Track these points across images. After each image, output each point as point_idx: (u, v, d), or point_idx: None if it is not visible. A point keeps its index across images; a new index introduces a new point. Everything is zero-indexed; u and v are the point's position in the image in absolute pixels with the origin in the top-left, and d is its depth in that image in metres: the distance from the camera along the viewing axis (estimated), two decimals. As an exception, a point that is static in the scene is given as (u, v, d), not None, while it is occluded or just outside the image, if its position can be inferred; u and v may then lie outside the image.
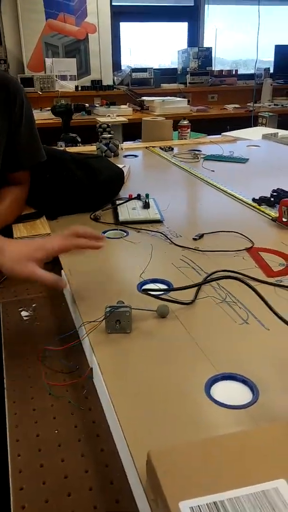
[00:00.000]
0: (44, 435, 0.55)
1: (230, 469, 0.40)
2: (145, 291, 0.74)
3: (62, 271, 0.87)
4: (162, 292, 0.75)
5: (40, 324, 0.78)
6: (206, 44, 4.58)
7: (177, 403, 0.53)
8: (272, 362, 0.60)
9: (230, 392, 0.55)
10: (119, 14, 4.15)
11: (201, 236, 1.03)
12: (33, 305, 0.84)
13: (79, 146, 2.18)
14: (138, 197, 1.23)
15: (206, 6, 4.47)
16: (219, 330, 0.68)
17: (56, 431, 0.56)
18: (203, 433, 0.49)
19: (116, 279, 0.86)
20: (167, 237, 1.02)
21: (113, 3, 3.98)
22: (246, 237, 1.01)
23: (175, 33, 4.65)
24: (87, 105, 3.49)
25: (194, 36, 4.57)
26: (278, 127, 2.47)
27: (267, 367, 0.59)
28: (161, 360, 0.61)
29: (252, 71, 4.19)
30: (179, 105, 3.75)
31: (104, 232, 1.05)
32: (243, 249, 0.95)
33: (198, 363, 0.60)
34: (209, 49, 4.38)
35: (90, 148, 1.95)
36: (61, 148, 2.03)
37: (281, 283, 0.80)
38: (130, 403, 0.54)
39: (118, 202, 1.21)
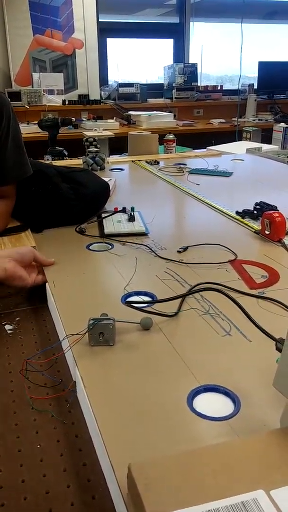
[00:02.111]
0: (26, 450, 0.55)
1: (210, 481, 0.40)
2: (129, 304, 0.74)
3: (47, 283, 0.87)
4: (146, 305, 0.76)
5: (23, 337, 0.78)
6: (192, 60, 4.67)
7: (159, 415, 0.54)
8: (254, 374, 0.61)
9: (212, 404, 0.55)
10: (106, 31, 4.21)
11: (185, 248, 1.04)
12: (17, 319, 0.83)
13: (66, 159, 2.19)
14: (124, 210, 1.24)
15: (191, 23, 4.56)
16: (202, 342, 0.68)
17: (39, 446, 0.55)
18: (185, 445, 0.49)
19: (100, 291, 0.86)
20: (152, 250, 1.02)
21: (100, 20, 4.05)
22: (229, 249, 1.02)
23: (161, 49, 4.73)
24: (74, 119, 3.51)
25: (180, 52, 4.66)
26: (262, 142, 2.52)
27: (249, 379, 0.59)
28: (144, 372, 0.61)
29: (237, 87, 4.27)
30: (165, 119, 3.80)
31: (89, 245, 1.06)
32: (227, 261, 0.96)
33: (181, 375, 0.60)
34: (194, 65, 4.46)
35: (77, 162, 1.96)
36: (48, 162, 2.03)
37: (263, 295, 0.81)
38: (112, 416, 0.53)
39: (103, 215, 1.22)
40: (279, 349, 0.57)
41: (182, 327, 0.72)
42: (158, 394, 0.57)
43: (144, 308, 0.73)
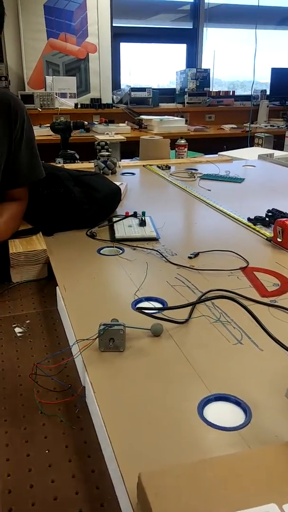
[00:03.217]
0: (35, 455, 0.54)
1: (221, 492, 0.39)
2: (139, 310, 0.73)
3: (57, 287, 0.87)
4: (157, 311, 0.75)
5: (33, 340, 0.78)
6: (204, 65, 4.67)
7: (169, 424, 0.53)
8: (265, 383, 0.60)
9: (223, 414, 0.54)
10: (120, 35, 4.24)
11: (196, 254, 1.03)
12: (27, 322, 0.83)
13: (77, 163, 2.19)
14: (135, 214, 1.24)
15: (204, 29, 4.57)
16: (213, 350, 0.68)
17: (47, 451, 0.55)
18: (195, 455, 0.49)
19: (111, 296, 0.86)
20: (163, 255, 1.02)
21: (114, 25, 4.07)
22: (241, 256, 1.02)
23: (174, 54, 4.74)
24: (86, 122, 3.53)
25: (193, 58, 4.66)
26: (274, 148, 2.51)
27: (260, 388, 0.59)
28: (154, 380, 0.61)
29: (249, 92, 4.26)
30: (177, 124, 3.80)
31: (100, 249, 1.06)
32: (238, 269, 0.96)
33: (191, 383, 0.60)
34: (207, 71, 4.46)
35: (88, 165, 1.97)
36: (59, 165, 2.04)
37: (275, 303, 0.80)
38: (122, 423, 0.53)
39: (114, 219, 1.22)
40: (292, 360, 0.56)
41: (192, 335, 0.72)
42: (168, 402, 0.57)
43: (154, 315, 0.73)
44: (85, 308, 0.79)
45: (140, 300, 0.82)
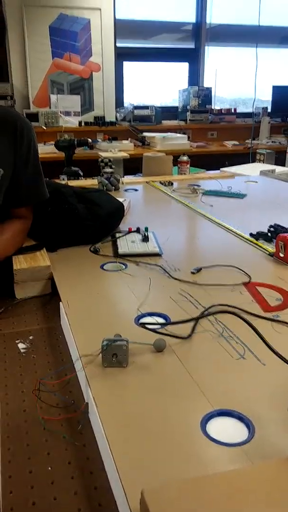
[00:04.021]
0: (37, 472, 0.54)
1: (224, 508, 0.39)
2: (142, 325, 0.74)
3: (61, 303, 0.88)
4: (159, 326, 0.76)
5: (36, 356, 0.78)
6: (206, 83, 4.73)
7: (172, 439, 0.53)
8: (268, 398, 0.60)
9: (226, 429, 0.54)
10: (123, 54, 4.31)
11: (199, 270, 1.04)
12: (30, 337, 0.83)
13: (81, 179, 2.22)
14: (138, 230, 1.25)
15: (206, 47, 4.65)
16: (215, 365, 0.68)
17: (50, 468, 0.55)
18: (198, 471, 0.48)
19: (114, 312, 0.86)
20: (166, 271, 1.03)
21: (118, 45, 4.15)
22: (243, 271, 1.02)
23: (177, 73, 4.81)
24: (89, 140, 3.56)
25: (195, 76, 4.73)
26: (276, 164, 2.53)
27: (264, 404, 0.59)
28: (157, 395, 0.61)
29: (250, 110, 4.31)
30: (179, 141, 3.84)
31: (103, 265, 1.06)
32: (241, 284, 0.96)
33: (194, 399, 0.60)
34: (209, 89, 4.52)
35: (92, 182, 1.99)
36: (63, 182, 2.06)
37: (278, 318, 0.80)
38: (125, 439, 0.53)
39: (117, 235, 1.23)
40: (294, 375, 0.56)
41: (195, 350, 0.72)
42: (171, 418, 0.56)
43: (157, 330, 0.73)
44: (88, 324, 0.79)
45: (143, 316, 0.82)
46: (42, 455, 0.57)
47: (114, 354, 0.65)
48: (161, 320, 0.80)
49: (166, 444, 0.52)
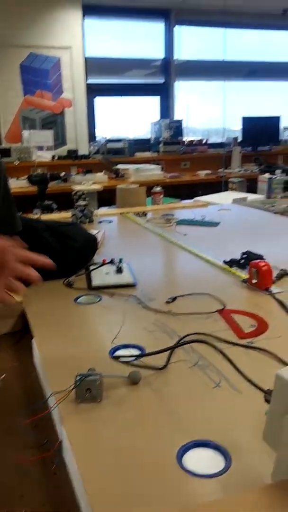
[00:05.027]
0: (10, 518, 0.52)
1: None
2: (116, 358, 0.73)
3: (33, 339, 0.86)
4: (134, 358, 0.75)
5: (9, 394, 0.76)
6: (178, 115, 4.88)
7: (149, 474, 0.52)
8: (244, 426, 0.59)
9: (203, 460, 0.53)
10: (94, 90, 4.42)
11: (174, 299, 1.04)
12: (3, 376, 0.81)
13: (55, 213, 2.22)
14: (112, 261, 1.25)
15: (176, 82, 4.81)
16: (191, 395, 0.67)
17: (24, 511, 0.53)
18: (176, 505, 0.47)
19: (88, 345, 0.85)
20: (140, 301, 1.02)
21: (88, 82, 4.26)
22: (218, 299, 1.03)
23: (148, 106, 4.95)
24: (62, 174, 3.61)
25: (166, 109, 4.87)
26: (247, 192, 2.59)
27: (240, 432, 0.58)
28: (132, 429, 0.60)
29: (222, 140, 4.45)
30: (153, 172, 3.91)
31: (77, 298, 1.06)
32: (215, 311, 0.97)
33: (170, 431, 0.59)
34: (180, 121, 4.65)
35: (66, 215, 1.99)
36: (37, 216, 2.07)
37: (252, 345, 0.81)
38: (100, 477, 0.51)
39: (91, 267, 1.23)
40: (267, 401, 0.56)
41: (171, 380, 0.71)
42: (147, 452, 0.55)
43: (132, 362, 0.73)
44: (61, 359, 0.78)
45: (118, 348, 0.81)
46: (15, 498, 0.54)
47: (87, 389, 0.64)
48: (136, 352, 0.80)
49: (142, 479, 0.51)
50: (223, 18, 3.71)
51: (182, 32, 4.72)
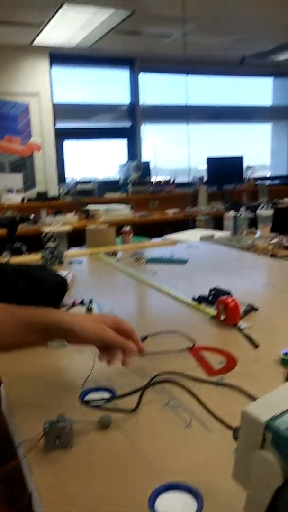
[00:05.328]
0: None
1: None
2: (86, 402, 0.72)
3: (1, 386, 0.84)
4: (104, 401, 0.74)
5: (-24, 447, 0.73)
6: (145, 156, 5.02)
7: (120, 523, 0.51)
8: (215, 466, 0.59)
9: (175, 504, 0.53)
10: (63, 134, 4.52)
11: (144, 338, 1.04)
12: None
13: (25, 255, 2.21)
14: (82, 302, 1.25)
15: (142, 126, 4.98)
16: (162, 437, 0.67)
17: None
18: None
19: (58, 390, 0.84)
20: (111, 342, 1.02)
21: (57, 126, 4.35)
22: (187, 336, 1.03)
23: (117, 148, 5.09)
24: (32, 216, 3.61)
25: (133, 151, 5.01)
26: (214, 229, 2.66)
27: (211, 472, 0.58)
28: (103, 476, 0.59)
29: (189, 179, 4.58)
30: (122, 212, 3.98)
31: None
32: (185, 349, 0.97)
33: (141, 475, 0.58)
34: (147, 162, 4.79)
35: (35, 257, 1.99)
36: (6, 259, 2.05)
37: (222, 382, 0.81)
38: (70, 529, 0.50)
39: (61, 309, 1.22)
40: (236, 438, 0.56)
41: (142, 422, 0.71)
42: (119, 499, 0.54)
43: (102, 406, 0.72)
44: (30, 406, 0.76)
45: (89, 391, 0.80)
46: None
47: (57, 437, 0.63)
48: (106, 395, 0.79)
49: (113, 529, 0.50)
50: (184, 66, 3.92)
51: (146, 79, 4.94)
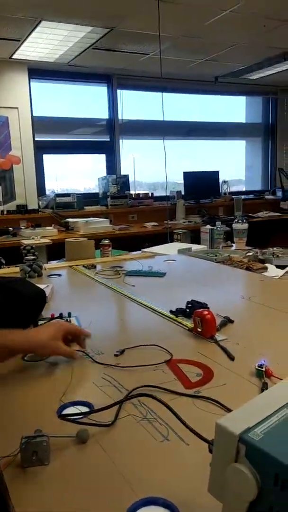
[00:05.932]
0: None
1: None
2: (63, 417, 0.72)
3: (-22, 402, 0.83)
4: (82, 416, 0.74)
5: None
6: (124, 170, 5.05)
7: (97, 538, 0.51)
8: (191, 479, 0.60)
9: (152, 518, 0.53)
10: (43, 147, 4.51)
11: (122, 351, 1.04)
12: None
13: (3, 268, 2.19)
14: (60, 316, 1.25)
15: (120, 140, 5.02)
16: (139, 451, 0.67)
17: None
18: None
19: (35, 405, 0.83)
20: (89, 356, 1.02)
21: (37, 139, 4.35)
22: (165, 349, 1.04)
23: (96, 161, 5.11)
24: (10, 229, 3.60)
25: (112, 165, 5.04)
26: (192, 242, 2.68)
27: (188, 486, 0.58)
28: (80, 491, 0.58)
29: (167, 193, 4.61)
30: (102, 225, 3.98)
31: (24, 356, 1.04)
32: (163, 362, 0.98)
33: (119, 490, 0.58)
34: (126, 176, 4.81)
35: (14, 270, 1.97)
36: (-16, 272, 2.03)
37: (199, 394, 0.82)
38: None
39: (40, 322, 1.22)
40: (211, 451, 0.57)
41: (119, 436, 0.71)
42: (96, 514, 0.54)
43: (79, 420, 0.72)
44: (6, 421, 0.76)
45: (66, 406, 0.80)
46: None
47: (34, 452, 0.63)
48: (84, 409, 0.79)
49: None
50: (161, 83, 3.99)
51: (124, 94, 4.99)
